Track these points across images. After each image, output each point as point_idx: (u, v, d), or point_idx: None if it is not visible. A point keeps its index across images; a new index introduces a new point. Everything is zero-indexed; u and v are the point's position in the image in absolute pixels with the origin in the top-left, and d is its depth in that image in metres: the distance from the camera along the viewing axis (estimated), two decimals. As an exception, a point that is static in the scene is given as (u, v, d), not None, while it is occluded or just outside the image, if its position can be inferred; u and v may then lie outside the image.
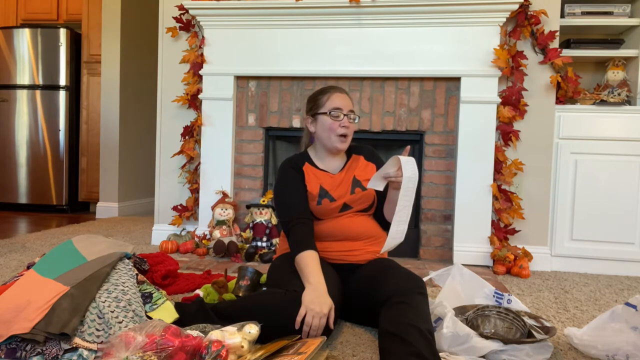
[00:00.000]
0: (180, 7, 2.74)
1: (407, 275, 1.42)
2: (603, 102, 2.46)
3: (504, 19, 2.43)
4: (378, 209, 1.68)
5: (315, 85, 2.66)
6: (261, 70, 2.68)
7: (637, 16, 2.55)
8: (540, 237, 2.52)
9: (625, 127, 2.42)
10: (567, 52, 2.52)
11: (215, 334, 1.17)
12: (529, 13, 2.42)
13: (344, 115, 1.61)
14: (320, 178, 1.65)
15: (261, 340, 1.27)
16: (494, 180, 2.50)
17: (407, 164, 1.42)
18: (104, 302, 1.25)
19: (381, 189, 1.52)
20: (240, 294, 1.75)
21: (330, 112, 1.61)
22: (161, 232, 2.86)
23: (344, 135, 1.62)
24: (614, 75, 2.56)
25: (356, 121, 1.65)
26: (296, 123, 2.71)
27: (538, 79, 2.48)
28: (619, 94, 2.46)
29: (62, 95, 4.07)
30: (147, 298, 1.41)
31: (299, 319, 1.30)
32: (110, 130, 4.02)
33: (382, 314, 1.30)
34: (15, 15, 4.42)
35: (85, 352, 1.15)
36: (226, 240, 2.52)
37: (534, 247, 2.50)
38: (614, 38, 2.63)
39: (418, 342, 1.16)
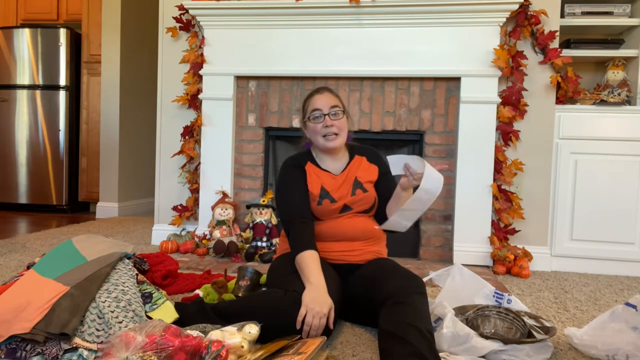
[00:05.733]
0: (180, 7, 2.74)
1: (407, 275, 1.42)
2: (603, 102, 2.46)
3: (504, 19, 2.43)
4: (379, 210, 1.68)
5: (315, 85, 2.65)
6: (261, 70, 2.68)
7: (637, 16, 2.55)
8: (540, 237, 2.52)
9: (625, 127, 2.42)
10: (567, 52, 2.52)
11: (215, 334, 1.17)
12: (529, 13, 2.42)
13: (325, 114, 1.59)
14: (322, 178, 1.65)
15: (261, 340, 1.27)
16: (494, 180, 2.50)
17: (432, 179, 1.38)
18: (104, 302, 1.25)
19: (396, 172, 1.53)
20: (240, 294, 1.75)
21: (309, 117, 1.61)
22: (161, 232, 2.86)
23: (333, 134, 1.59)
24: (614, 75, 2.56)
25: (340, 116, 1.60)
26: (296, 123, 2.71)
27: (538, 79, 2.48)
28: (619, 94, 2.46)
29: (62, 95, 4.07)
30: (147, 298, 1.41)
31: (299, 318, 1.30)
32: (110, 130, 4.02)
33: (381, 314, 1.30)
34: (15, 15, 4.42)
35: (85, 352, 1.15)
36: (226, 240, 2.52)
37: (534, 247, 2.49)
38: (614, 38, 2.63)
39: (418, 342, 1.16)
